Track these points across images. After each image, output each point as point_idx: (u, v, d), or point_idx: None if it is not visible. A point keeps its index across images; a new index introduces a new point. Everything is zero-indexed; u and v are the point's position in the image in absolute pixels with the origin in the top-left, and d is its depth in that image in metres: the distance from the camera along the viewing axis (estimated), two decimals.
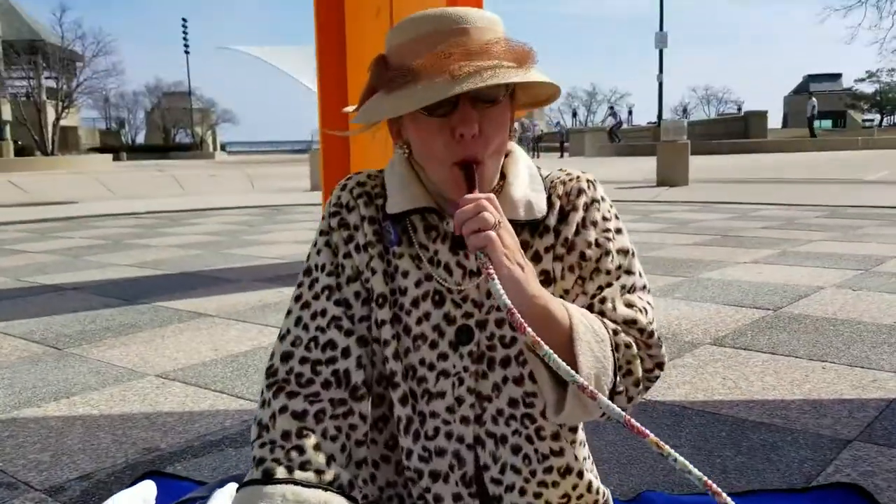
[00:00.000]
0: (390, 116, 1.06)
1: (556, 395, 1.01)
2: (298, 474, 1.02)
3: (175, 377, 2.82)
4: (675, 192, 11.73)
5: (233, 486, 1.68)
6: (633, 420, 0.88)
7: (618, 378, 1.03)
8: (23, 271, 5.52)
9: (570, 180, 1.14)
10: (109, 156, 34.12)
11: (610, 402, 0.89)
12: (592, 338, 1.00)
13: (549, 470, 1.10)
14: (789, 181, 13.45)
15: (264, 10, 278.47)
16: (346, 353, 1.10)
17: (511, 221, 1.06)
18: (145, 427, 2.33)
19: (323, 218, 1.17)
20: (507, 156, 1.14)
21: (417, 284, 1.09)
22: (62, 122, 38.44)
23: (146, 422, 2.38)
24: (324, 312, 1.12)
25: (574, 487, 1.13)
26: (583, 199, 1.12)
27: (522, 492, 1.08)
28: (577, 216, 1.11)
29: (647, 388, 1.09)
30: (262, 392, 1.14)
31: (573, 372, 0.90)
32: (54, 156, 32.37)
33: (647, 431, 0.88)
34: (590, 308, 1.08)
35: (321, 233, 1.16)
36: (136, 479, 1.88)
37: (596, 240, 1.11)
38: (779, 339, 3.09)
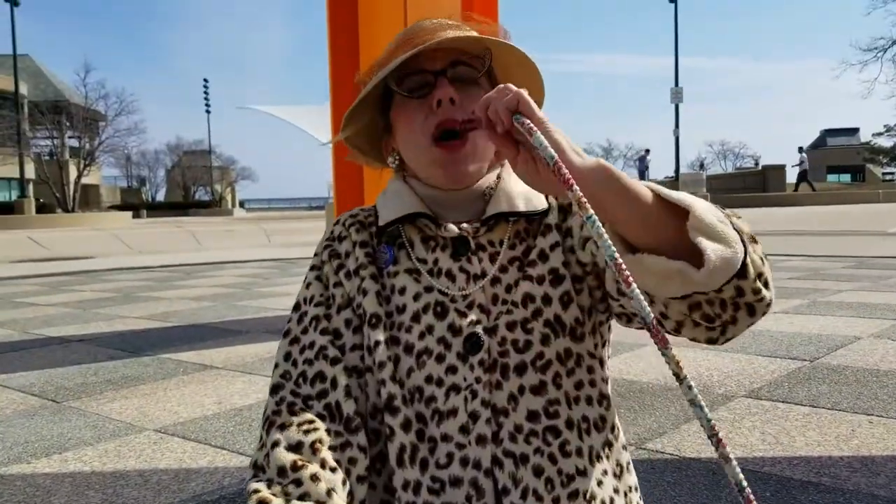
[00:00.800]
0: (365, 93, 1.03)
1: (678, 266, 0.79)
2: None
3: (174, 432, 2.66)
4: None
5: None
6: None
7: (743, 237, 0.82)
8: (30, 324, 5.41)
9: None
10: (129, 213, 34.43)
11: (641, 299, 0.71)
12: (694, 197, 0.83)
13: (573, 495, 0.94)
14: (811, 233, 13.24)
15: (285, 71, 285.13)
16: (334, 383, 0.99)
17: (510, 214, 1.02)
18: (138, 486, 2.17)
19: (315, 255, 1.11)
20: (499, 159, 1.08)
21: (416, 298, 1.00)
22: (84, 180, 38.99)
23: (139, 479, 2.21)
24: (311, 344, 1.02)
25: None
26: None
27: None
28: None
29: (758, 296, 0.83)
30: (260, 437, 1.00)
31: (611, 245, 0.73)
32: (75, 213, 32.74)
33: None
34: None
35: (312, 268, 1.09)
36: None
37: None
38: (819, 391, 2.88)
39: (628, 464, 1.05)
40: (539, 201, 1.05)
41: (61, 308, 6.26)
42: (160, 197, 64.95)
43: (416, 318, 0.99)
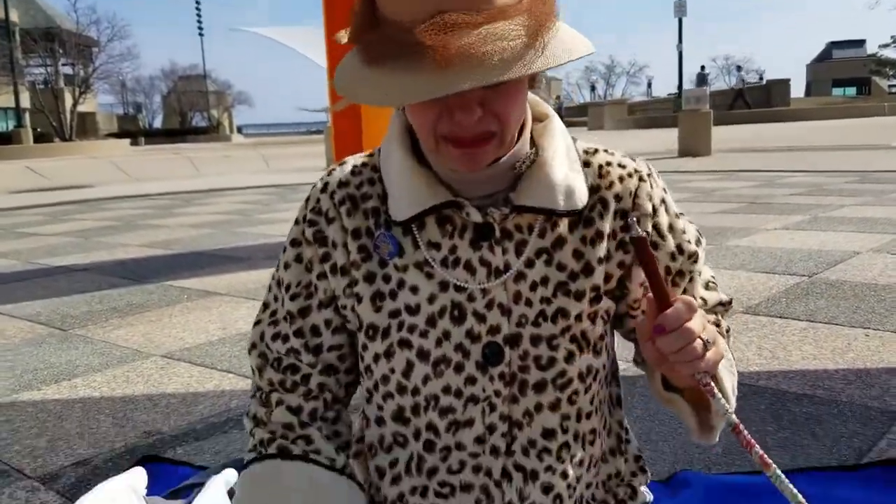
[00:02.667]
0: (373, 104, 0.78)
1: (696, 420, 0.92)
2: (313, 456, 0.92)
3: (180, 357, 2.70)
4: (698, 162, 11.48)
5: (230, 472, 1.56)
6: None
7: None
8: (33, 254, 5.44)
9: (629, 175, 0.92)
10: (127, 140, 34.12)
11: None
12: (727, 363, 0.93)
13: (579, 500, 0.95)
14: (815, 148, 13.12)
15: None
16: (305, 379, 0.95)
17: (547, 211, 0.87)
18: (147, 409, 2.22)
19: (297, 222, 0.96)
20: (542, 121, 0.92)
21: (431, 300, 0.89)
22: (80, 108, 38.50)
23: (148, 404, 2.26)
24: (286, 338, 0.95)
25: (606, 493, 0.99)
26: (649, 204, 0.92)
27: None
28: (647, 223, 0.92)
29: None
30: (256, 386, 1.00)
31: (785, 479, 0.82)
32: (72, 141, 32.47)
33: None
34: None
35: (293, 242, 0.95)
36: (134, 465, 1.76)
37: (678, 246, 0.94)
38: (816, 306, 2.91)
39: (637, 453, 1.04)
40: (581, 195, 0.89)
41: (63, 237, 6.27)
42: (157, 124, 64.24)
43: (431, 322, 0.88)
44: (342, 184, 0.93)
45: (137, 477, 1.46)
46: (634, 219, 0.85)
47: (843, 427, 1.83)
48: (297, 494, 0.90)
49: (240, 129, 67.55)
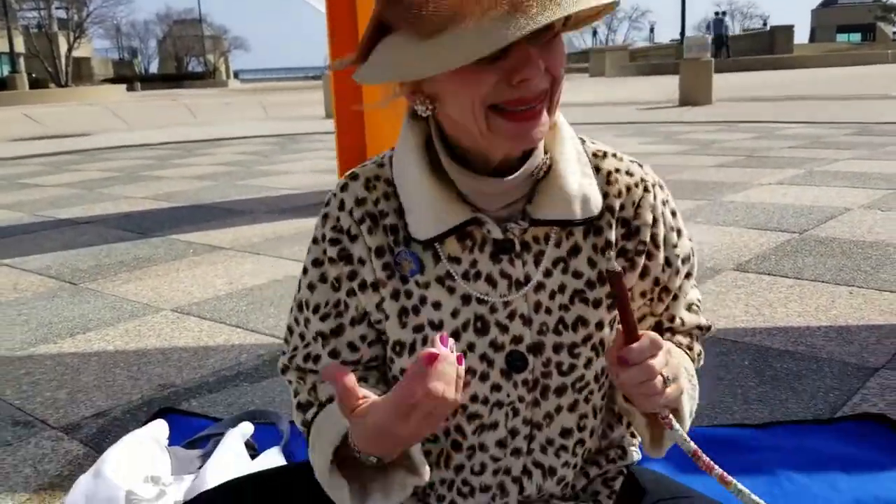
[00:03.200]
0: (432, 74, 0.78)
1: (649, 435, 0.97)
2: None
3: (190, 312, 2.81)
4: (699, 112, 11.46)
5: (246, 425, 1.66)
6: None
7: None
8: (38, 206, 5.51)
9: (636, 185, 0.95)
10: (123, 86, 33.84)
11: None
12: (690, 387, 0.97)
13: (580, 470, 1.03)
14: (816, 97, 13.08)
15: None
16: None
17: (565, 222, 0.90)
18: (160, 363, 2.32)
19: (315, 241, 0.95)
20: (550, 128, 0.91)
21: (455, 314, 0.91)
22: (75, 53, 38.04)
23: (161, 357, 2.37)
24: (317, 359, 0.96)
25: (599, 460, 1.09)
26: (650, 214, 0.95)
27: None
28: (647, 233, 0.95)
29: None
30: (294, 389, 1.00)
31: (746, 491, 0.85)
32: (68, 87, 32.17)
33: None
34: (658, 325, 1.00)
35: (315, 263, 0.94)
36: (151, 417, 1.87)
37: (667, 258, 0.97)
38: (804, 263, 3.00)
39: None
40: (595, 202, 0.91)
41: (66, 189, 6.33)
42: (153, 69, 63.49)
43: (455, 335, 0.91)
44: (360, 201, 0.93)
45: (160, 429, 1.56)
46: (612, 255, 0.90)
47: (820, 382, 1.94)
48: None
49: (236, 75, 66.77)
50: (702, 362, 1.05)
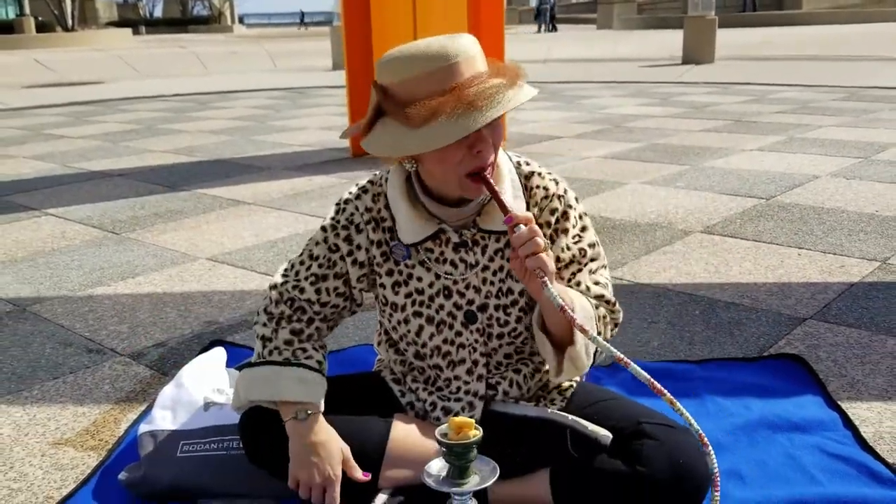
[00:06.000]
0: (423, 151, 1.23)
1: (556, 362, 1.36)
2: (305, 360, 1.43)
3: (224, 260, 3.21)
4: (699, 72, 11.68)
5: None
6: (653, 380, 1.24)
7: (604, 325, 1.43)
8: (68, 157, 5.88)
9: (546, 198, 1.41)
10: (128, 30, 33.77)
11: (640, 370, 1.24)
12: (589, 315, 1.36)
13: (534, 371, 1.50)
14: (816, 58, 13.26)
15: None
16: (310, 321, 1.47)
17: (500, 232, 1.37)
18: (203, 304, 2.73)
19: (331, 218, 1.44)
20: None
21: (431, 285, 1.41)
22: None
23: (204, 299, 2.77)
24: (303, 290, 1.45)
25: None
26: (555, 215, 1.41)
27: (513, 374, 1.49)
28: (551, 229, 1.41)
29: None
30: (259, 314, 1.49)
31: (612, 348, 1.22)
32: (74, 31, 32.13)
33: (654, 381, 1.23)
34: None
35: (323, 229, 1.44)
36: (204, 347, 2.28)
37: (566, 245, 1.42)
38: (765, 227, 3.39)
39: None
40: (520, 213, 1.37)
41: (91, 141, 6.69)
42: (158, 13, 62.87)
43: (431, 298, 1.41)
44: (368, 209, 1.42)
45: (219, 354, 1.97)
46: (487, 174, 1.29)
47: (755, 329, 2.34)
48: (289, 383, 1.39)
49: (241, 19, 66.06)
50: (608, 333, 1.46)
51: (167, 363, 2.26)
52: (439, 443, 1.18)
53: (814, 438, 1.70)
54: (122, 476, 1.58)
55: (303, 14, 62.12)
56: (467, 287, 1.41)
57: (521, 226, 1.22)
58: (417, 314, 1.42)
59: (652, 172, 4.62)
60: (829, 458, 1.62)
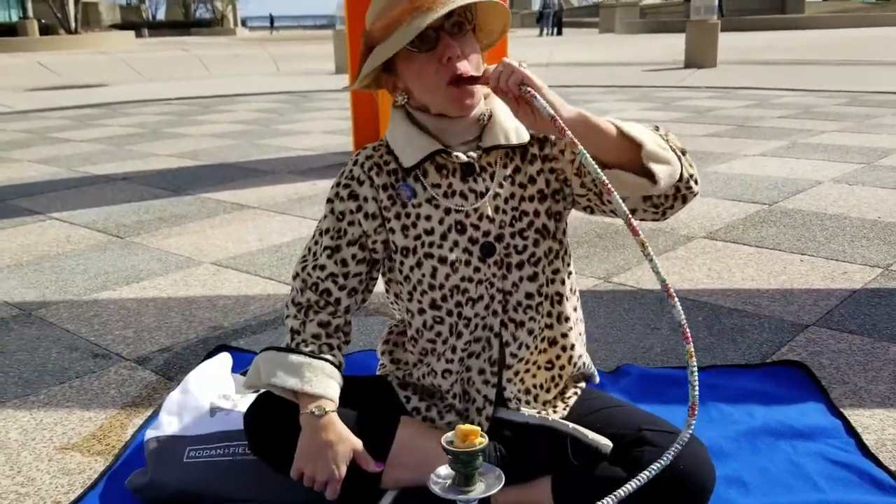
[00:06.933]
0: (388, 57, 1.27)
1: (643, 177, 1.23)
2: (329, 358, 1.44)
3: (228, 265, 3.22)
4: (702, 76, 11.69)
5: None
6: (632, 220, 1.17)
7: (678, 153, 1.28)
8: (73, 161, 5.90)
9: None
10: (132, 33, 33.86)
11: (620, 202, 1.15)
12: (644, 130, 1.26)
13: (542, 340, 1.47)
14: (818, 62, 13.27)
15: None
16: (338, 302, 1.45)
17: (505, 146, 1.35)
18: (208, 308, 2.74)
19: (333, 186, 1.42)
20: (486, 97, 1.38)
21: (440, 222, 1.36)
22: None
23: (208, 304, 2.79)
24: (323, 267, 1.43)
25: (558, 357, 1.50)
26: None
27: (526, 361, 1.46)
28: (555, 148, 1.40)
29: (689, 190, 1.32)
30: (288, 306, 1.49)
31: (598, 169, 1.15)
32: (78, 34, 32.22)
33: (639, 231, 1.15)
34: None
35: (329, 200, 1.43)
36: (210, 352, 2.30)
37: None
38: (767, 233, 3.40)
39: (578, 315, 1.52)
40: (523, 134, 1.37)
41: (95, 144, 6.72)
42: (160, 15, 63.03)
43: (443, 236, 1.36)
44: (368, 157, 1.41)
45: (225, 359, 1.99)
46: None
47: (758, 335, 2.35)
48: (314, 376, 1.40)
49: (244, 22, 66.22)
50: (670, 141, 1.29)
51: (172, 368, 2.27)
52: (445, 450, 1.19)
53: (816, 445, 1.71)
54: (128, 481, 1.60)
55: (272, 18, 63.16)
56: (480, 218, 1.37)
57: (492, 67, 1.22)
58: (429, 255, 1.37)
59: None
60: (832, 466, 1.63)
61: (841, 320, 2.44)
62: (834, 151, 5.26)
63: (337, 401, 1.40)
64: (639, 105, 8.48)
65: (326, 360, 1.42)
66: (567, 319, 1.48)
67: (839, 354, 2.19)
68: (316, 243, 1.46)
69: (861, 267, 2.92)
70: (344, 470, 1.36)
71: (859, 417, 1.84)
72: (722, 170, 4.77)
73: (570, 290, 1.49)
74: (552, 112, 1.17)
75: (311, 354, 1.42)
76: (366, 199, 1.39)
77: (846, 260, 3.00)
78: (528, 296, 1.41)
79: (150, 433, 1.68)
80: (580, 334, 1.54)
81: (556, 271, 1.44)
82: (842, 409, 1.87)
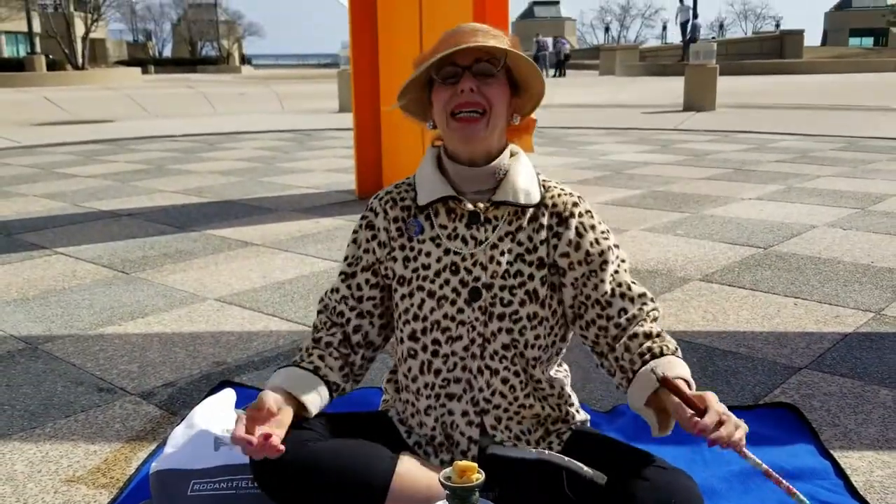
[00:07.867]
0: (415, 76, 1.44)
1: (659, 428, 1.45)
2: (325, 377, 1.52)
3: (232, 301, 3.28)
4: (700, 119, 11.85)
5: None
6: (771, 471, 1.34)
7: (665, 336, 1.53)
8: (78, 196, 5.98)
9: (566, 194, 1.52)
10: (138, 69, 34.39)
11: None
12: (681, 363, 1.49)
13: (527, 395, 1.52)
14: (815, 107, 13.45)
15: None
16: (347, 322, 1.56)
17: (509, 204, 1.46)
18: (212, 344, 2.79)
19: (361, 218, 1.58)
20: (513, 155, 1.50)
21: (438, 260, 1.47)
22: (90, 35, 38.52)
23: (212, 340, 2.84)
24: (336, 290, 1.58)
25: (542, 408, 1.55)
26: (578, 209, 1.52)
27: (506, 409, 1.51)
28: (575, 221, 1.50)
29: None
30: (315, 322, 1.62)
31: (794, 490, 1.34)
32: (85, 69, 32.67)
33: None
34: (612, 291, 1.50)
35: (354, 231, 1.58)
36: (213, 388, 2.34)
37: (596, 239, 1.51)
38: (762, 276, 3.46)
39: (563, 387, 1.59)
40: (534, 196, 1.48)
41: (101, 180, 6.81)
42: (167, 52, 63.95)
43: (438, 273, 1.47)
44: (388, 192, 1.56)
45: (229, 395, 2.03)
46: (662, 372, 1.41)
47: (751, 378, 2.40)
48: (308, 391, 1.48)
49: (249, 60, 67.10)
50: (673, 344, 1.54)
51: (176, 403, 2.31)
52: (443, 485, 1.23)
53: (806, 486, 1.74)
54: None
55: (245, 58, 65.34)
56: (475, 264, 1.46)
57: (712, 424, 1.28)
58: (420, 288, 1.48)
59: (652, 219, 4.71)
60: None
61: (833, 364, 2.48)
62: (829, 196, 5.34)
63: (301, 397, 1.46)
64: (638, 147, 8.60)
65: (304, 367, 1.51)
66: (539, 382, 1.54)
67: (830, 397, 2.24)
68: (339, 272, 1.60)
69: (853, 311, 2.97)
70: (281, 432, 1.37)
71: (849, 459, 1.88)
72: (719, 213, 4.84)
73: (549, 357, 1.56)
74: (765, 467, 1.33)
75: (295, 363, 1.54)
76: (380, 229, 1.53)
77: (839, 304, 3.06)
78: (505, 347, 1.49)
79: (154, 466, 1.72)
80: (563, 388, 1.60)
81: (537, 336, 1.50)
82: (832, 451, 1.91)
